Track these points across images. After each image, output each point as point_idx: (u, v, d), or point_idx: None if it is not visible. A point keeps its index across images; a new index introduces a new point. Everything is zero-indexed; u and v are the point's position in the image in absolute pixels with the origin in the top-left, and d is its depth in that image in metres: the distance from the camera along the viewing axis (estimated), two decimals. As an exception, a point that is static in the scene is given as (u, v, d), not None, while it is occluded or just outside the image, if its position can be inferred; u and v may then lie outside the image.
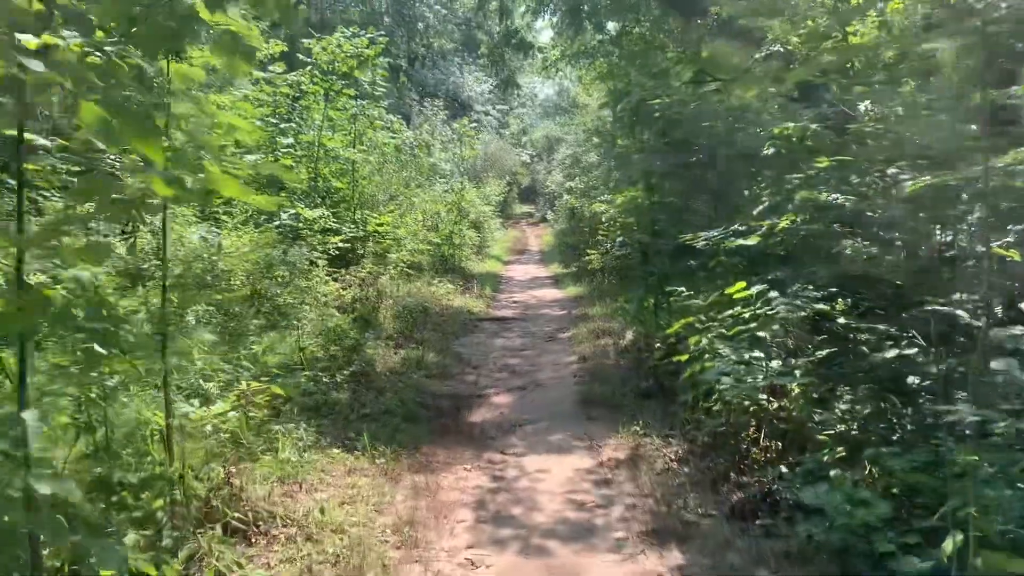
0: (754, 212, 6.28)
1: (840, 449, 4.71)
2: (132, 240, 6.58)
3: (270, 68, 13.58)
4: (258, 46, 3.73)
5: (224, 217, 10.99)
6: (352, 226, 14.52)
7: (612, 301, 13.29)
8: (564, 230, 24.80)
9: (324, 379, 7.33)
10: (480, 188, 28.98)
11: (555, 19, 22.99)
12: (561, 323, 12.25)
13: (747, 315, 5.64)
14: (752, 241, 5.73)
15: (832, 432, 4.85)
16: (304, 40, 14.35)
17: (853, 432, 4.77)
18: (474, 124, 28.81)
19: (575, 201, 22.04)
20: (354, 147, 15.33)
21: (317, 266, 10.94)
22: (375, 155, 17.66)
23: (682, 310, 7.54)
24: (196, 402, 5.41)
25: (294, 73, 13.60)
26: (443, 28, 43.11)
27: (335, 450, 5.81)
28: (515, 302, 15.20)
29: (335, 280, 11.21)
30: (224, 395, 5.70)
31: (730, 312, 5.71)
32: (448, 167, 26.31)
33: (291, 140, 13.75)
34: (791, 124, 6.42)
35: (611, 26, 25.76)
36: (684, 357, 5.80)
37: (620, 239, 15.38)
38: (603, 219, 16.41)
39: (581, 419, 6.74)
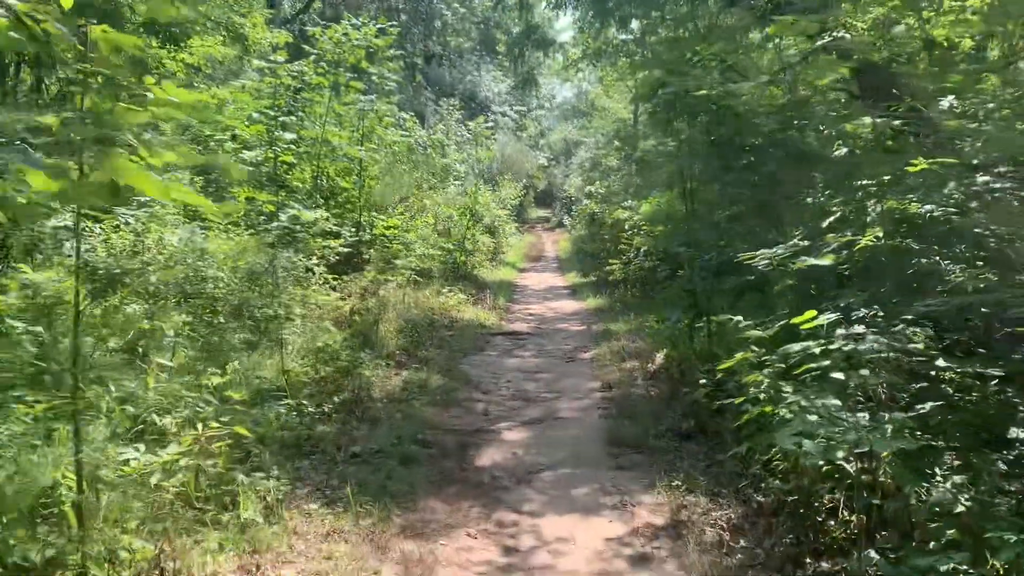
0: (823, 224, 5.22)
1: (952, 533, 3.66)
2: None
3: (271, 58, 12.66)
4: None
5: (213, 218, 10.04)
6: (353, 229, 13.59)
7: (636, 316, 12.24)
8: (583, 237, 23.76)
9: (309, 409, 6.32)
10: (496, 191, 27.97)
11: (578, 14, 21.94)
12: (581, 340, 11.20)
13: (817, 350, 4.60)
14: (826, 261, 4.67)
15: (939, 508, 3.80)
16: (310, 28, 13.40)
17: (970, 507, 3.71)
18: (490, 124, 27.84)
19: (595, 206, 20.99)
20: (361, 145, 14.36)
21: (314, 273, 9.96)
22: (384, 154, 16.75)
23: (732, 338, 6.50)
24: (143, 446, 4.40)
25: (297, 63, 12.63)
26: (461, 26, 42.22)
27: (312, 505, 4.79)
28: (530, 315, 14.16)
29: (334, 289, 10.22)
30: (183, 434, 4.70)
31: (799, 347, 4.66)
32: (463, 168, 25.34)
33: (293, 135, 12.79)
34: (867, 119, 5.38)
35: (635, 25, 24.79)
36: (739, 400, 4.76)
37: (644, 249, 14.34)
38: (626, 227, 15.36)
39: (609, 466, 5.68)
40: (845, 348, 4.41)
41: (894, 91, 6.95)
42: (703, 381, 5.61)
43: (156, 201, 8.97)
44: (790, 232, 6.26)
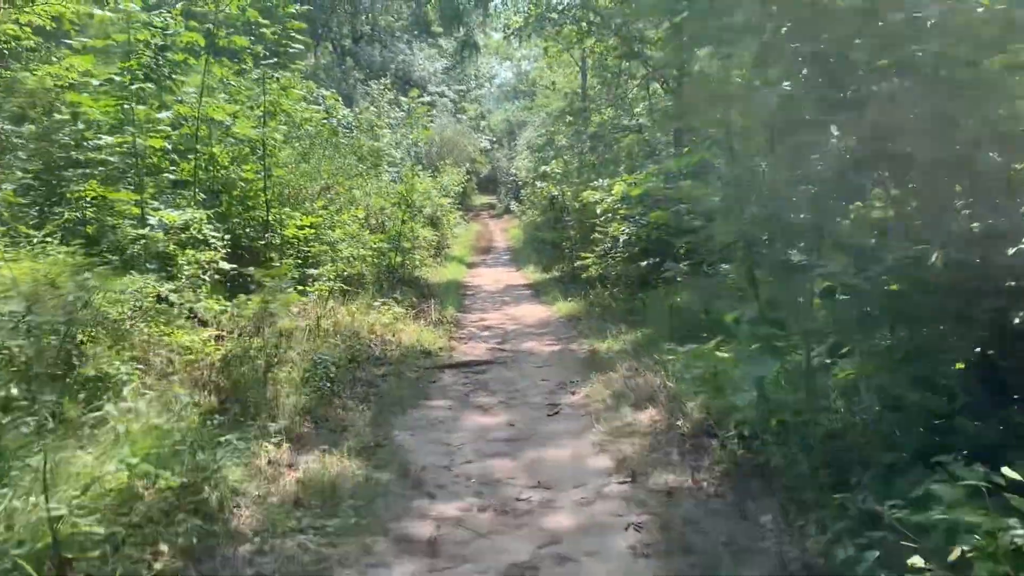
0: None
1: None
2: None
3: (121, 5, 9.34)
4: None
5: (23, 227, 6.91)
6: (253, 230, 10.54)
7: (628, 327, 9.35)
8: (538, 223, 20.76)
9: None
10: (436, 177, 24.82)
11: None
12: (561, 370, 8.23)
13: None
14: None
15: None
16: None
17: None
18: (426, 100, 24.61)
19: (554, 188, 18.02)
20: (265, 124, 11.21)
21: (171, 304, 6.83)
22: (296, 135, 13.62)
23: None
24: None
25: (157, 11, 9.38)
26: (390, 4, 38.99)
27: None
28: (487, 328, 11.15)
29: (204, 325, 7.06)
30: None
31: None
32: (399, 154, 22.18)
33: (169, 112, 9.63)
34: None
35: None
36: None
37: (625, 239, 11.41)
38: (598, 211, 12.42)
39: None
40: None
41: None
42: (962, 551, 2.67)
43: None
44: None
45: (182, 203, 9.10)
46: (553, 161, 19.36)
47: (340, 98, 19.65)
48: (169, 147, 9.46)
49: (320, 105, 17.24)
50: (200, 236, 8.00)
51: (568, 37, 22.99)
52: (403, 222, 13.73)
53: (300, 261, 10.78)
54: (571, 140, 21.29)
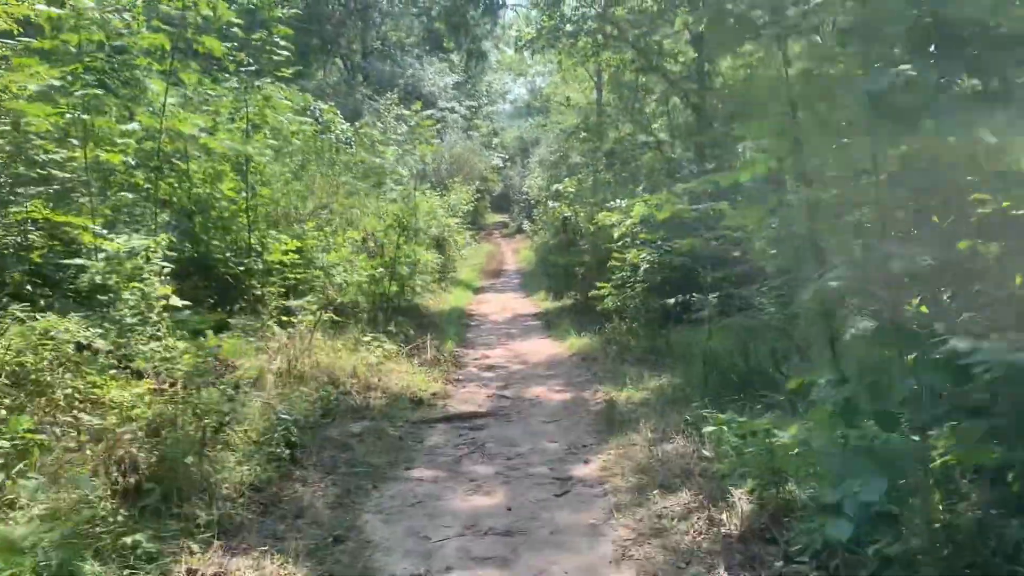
0: None
1: None
2: None
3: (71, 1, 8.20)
4: None
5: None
6: (233, 255, 9.44)
7: (650, 373, 8.09)
8: (552, 246, 19.51)
9: None
10: (445, 196, 23.68)
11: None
12: (573, 426, 6.95)
13: None
14: None
15: None
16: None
17: None
18: (432, 115, 23.53)
19: (567, 208, 16.79)
20: (248, 138, 10.14)
21: (95, 353, 5.63)
22: (289, 150, 12.52)
23: None
24: None
25: (111, 8, 8.24)
26: (400, 20, 38.13)
27: None
28: (490, 368, 9.89)
29: (140, 376, 5.85)
30: None
31: None
32: (404, 171, 21.07)
33: (135, 125, 8.56)
34: None
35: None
36: None
37: (646, 267, 10.14)
38: (615, 235, 11.16)
39: None
40: None
41: None
42: None
43: None
44: None
45: (151, 226, 8.00)
46: (567, 179, 18.18)
47: (339, 112, 18.58)
48: (133, 163, 8.37)
49: (317, 118, 16.13)
50: (148, 266, 6.82)
51: (583, 50, 21.96)
52: (398, 247, 12.52)
53: (284, 290, 9.64)
54: (586, 157, 20.18)
